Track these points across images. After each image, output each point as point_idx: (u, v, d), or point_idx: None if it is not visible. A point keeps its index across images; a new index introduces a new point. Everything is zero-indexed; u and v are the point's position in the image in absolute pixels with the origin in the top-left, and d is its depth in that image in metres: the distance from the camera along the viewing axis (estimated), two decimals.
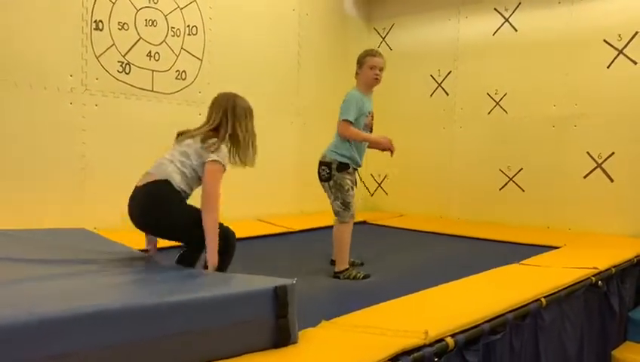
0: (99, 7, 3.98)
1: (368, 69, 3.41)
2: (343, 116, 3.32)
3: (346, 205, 3.32)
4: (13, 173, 3.64)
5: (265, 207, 5.11)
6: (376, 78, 3.42)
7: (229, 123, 2.57)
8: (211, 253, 2.39)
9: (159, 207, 2.47)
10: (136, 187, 2.56)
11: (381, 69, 3.43)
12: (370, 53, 3.46)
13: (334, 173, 3.32)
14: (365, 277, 3.26)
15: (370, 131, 3.47)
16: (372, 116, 3.47)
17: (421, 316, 2.25)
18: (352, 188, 3.38)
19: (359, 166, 3.47)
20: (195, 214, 2.43)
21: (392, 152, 3.43)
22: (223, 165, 2.50)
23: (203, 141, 2.52)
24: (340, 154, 3.34)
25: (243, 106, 2.63)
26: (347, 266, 3.32)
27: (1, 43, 3.54)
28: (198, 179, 2.54)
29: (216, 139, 2.52)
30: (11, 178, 3.63)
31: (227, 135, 2.56)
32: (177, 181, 2.48)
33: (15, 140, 3.64)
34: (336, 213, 3.36)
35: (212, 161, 2.48)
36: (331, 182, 3.33)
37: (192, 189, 2.56)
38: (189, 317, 1.64)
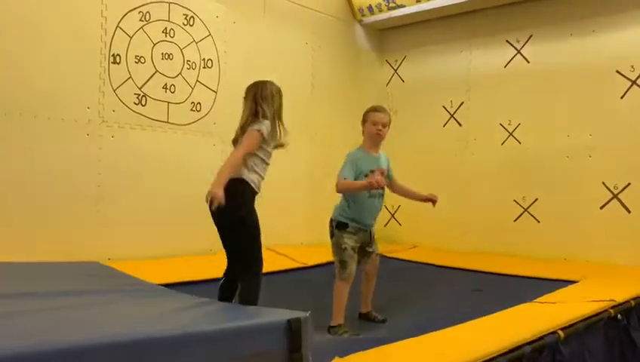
0: (117, 41, 4.08)
1: (371, 124, 3.39)
2: (339, 176, 3.29)
3: (342, 264, 3.26)
4: (30, 202, 3.69)
5: (276, 235, 5.08)
6: (379, 134, 3.37)
7: (258, 105, 2.84)
8: (217, 182, 2.64)
9: (233, 199, 2.69)
10: None
11: (384, 125, 3.37)
12: (372, 109, 3.44)
13: (334, 231, 3.31)
14: (354, 335, 3.17)
15: (382, 189, 3.37)
16: (382, 172, 3.28)
17: (435, 352, 2.22)
18: (352, 248, 3.29)
19: (365, 225, 3.37)
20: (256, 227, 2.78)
21: (434, 203, 3.43)
22: (259, 130, 2.77)
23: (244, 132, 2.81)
24: (339, 213, 3.33)
25: (269, 89, 2.91)
26: (340, 322, 3.24)
27: (21, 77, 3.64)
28: (263, 160, 2.86)
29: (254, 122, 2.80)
30: (27, 208, 3.68)
31: (260, 116, 2.82)
32: (246, 173, 2.79)
33: (32, 171, 3.70)
34: (336, 270, 3.32)
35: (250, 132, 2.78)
36: (333, 240, 3.33)
37: (261, 169, 2.87)
38: (199, 350, 1.61)
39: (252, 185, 2.79)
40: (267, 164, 2.89)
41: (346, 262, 3.26)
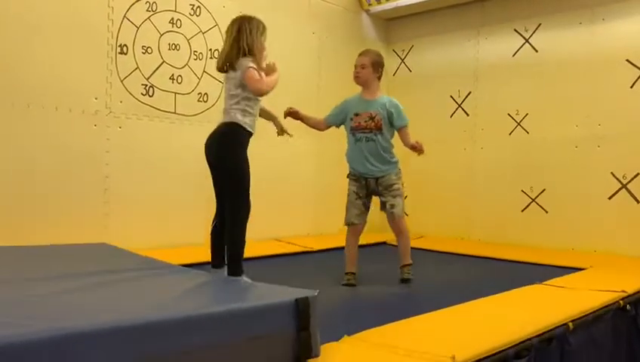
0: (124, 31, 4.07)
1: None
2: None
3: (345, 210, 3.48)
4: (38, 193, 3.70)
5: (282, 227, 5.11)
6: (356, 76, 3.48)
7: (245, 35, 2.83)
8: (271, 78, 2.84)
9: (226, 142, 2.85)
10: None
11: (363, 66, 3.44)
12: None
13: None
14: (345, 284, 3.36)
15: (362, 132, 3.46)
16: (367, 116, 3.41)
17: (445, 338, 2.20)
18: (354, 193, 3.44)
19: (359, 172, 3.46)
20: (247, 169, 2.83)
21: (418, 151, 3.50)
22: (252, 67, 2.76)
23: (233, 69, 2.83)
24: None
25: (256, 23, 2.90)
26: (346, 270, 3.43)
27: (27, 68, 3.64)
28: (255, 99, 2.88)
29: (238, 58, 2.81)
30: (35, 199, 3.69)
31: (246, 45, 2.82)
32: (240, 118, 2.84)
33: (40, 161, 3.71)
34: None
35: (244, 74, 2.77)
36: None
37: (256, 109, 2.92)
38: (206, 332, 1.60)
39: (247, 127, 2.85)
40: (259, 101, 2.94)
41: (346, 208, 3.46)
